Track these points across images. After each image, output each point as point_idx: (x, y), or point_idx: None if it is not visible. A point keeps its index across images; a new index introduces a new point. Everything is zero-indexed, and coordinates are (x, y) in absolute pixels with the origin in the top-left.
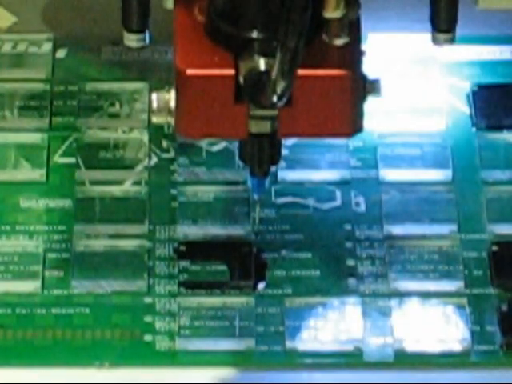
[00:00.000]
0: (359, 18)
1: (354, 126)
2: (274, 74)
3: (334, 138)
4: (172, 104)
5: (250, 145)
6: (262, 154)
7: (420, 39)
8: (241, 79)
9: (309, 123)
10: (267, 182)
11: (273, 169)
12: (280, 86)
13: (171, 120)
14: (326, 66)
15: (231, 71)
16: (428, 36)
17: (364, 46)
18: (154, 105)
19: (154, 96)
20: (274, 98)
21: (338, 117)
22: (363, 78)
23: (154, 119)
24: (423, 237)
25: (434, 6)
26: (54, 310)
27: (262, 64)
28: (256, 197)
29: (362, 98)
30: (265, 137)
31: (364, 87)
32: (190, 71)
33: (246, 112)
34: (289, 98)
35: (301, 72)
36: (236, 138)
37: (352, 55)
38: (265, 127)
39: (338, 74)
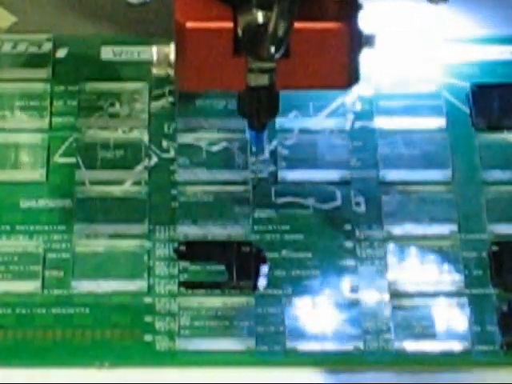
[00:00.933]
0: None
1: (350, 78)
2: (271, 25)
3: (330, 90)
4: (172, 57)
5: (248, 98)
6: (260, 106)
7: (420, 39)
8: (239, 32)
9: (306, 75)
10: (265, 135)
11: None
12: (277, 38)
13: (171, 71)
14: (323, 19)
15: (230, 24)
16: (428, 36)
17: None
18: (154, 57)
19: (155, 49)
20: (272, 50)
21: (335, 69)
22: (359, 31)
23: (155, 71)
24: (423, 237)
25: None
26: (54, 310)
27: (260, 17)
28: (254, 150)
29: (358, 51)
30: (263, 89)
31: (360, 40)
32: (189, 24)
33: (245, 64)
34: (286, 51)
35: (298, 25)
36: (234, 89)
37: (349, 9)
38: (263, 80)
39: (334, 26)
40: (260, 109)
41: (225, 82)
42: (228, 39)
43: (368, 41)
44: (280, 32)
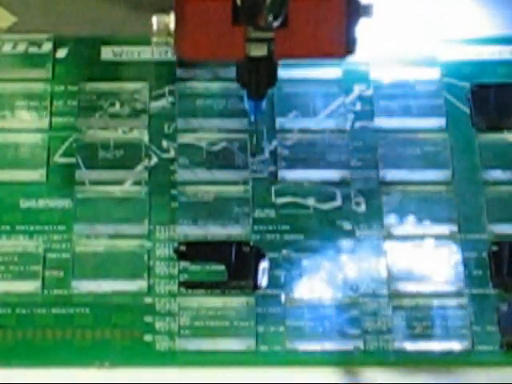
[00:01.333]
0: None
1: (347, 47)
2: None
3: (327, 59)
4: (172, 26)
5: (247, 68)
6: (258, 76)
7: (420, 39)
8: (238, 1)
9: (303, 45)
10: (264, 104)
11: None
12: (275, 6)
13: (171, 40)
14: None
15: None
16: (428, 36)
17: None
18: (154, 27)
19: (155, 18)
20: (270, 19)
21: (332, 38)
22: (357, 1)
23: (155, 39)
24: (423, 237)
25: None
26: (54, 310)
27: None
28: (253, 119)
29: (356, 21)
30: (261, 59)
31: (357, 10)
32: None
33: (244, 34)
34: (284, 20)
35: None
36: (233, 58)
37: None
38: (262, 50)
39: None
40: (259, 78)
41: (224, 51)
42: (227, 8)
43: (365, 11)
44: (278, 0)
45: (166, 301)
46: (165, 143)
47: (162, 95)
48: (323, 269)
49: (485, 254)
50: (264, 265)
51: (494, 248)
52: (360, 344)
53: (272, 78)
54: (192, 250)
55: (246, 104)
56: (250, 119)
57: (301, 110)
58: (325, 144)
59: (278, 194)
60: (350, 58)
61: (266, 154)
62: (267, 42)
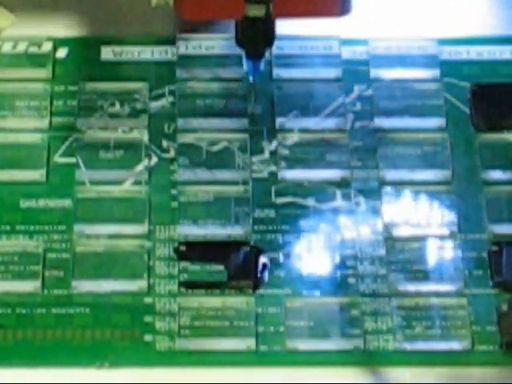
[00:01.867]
0: None
1: (343, 7)
2: None
3: (324, 18)
4: None
5: (245, 27)
6: (257, 36)
7: (420, 39)
8: None
9: (301, 4)
10: (262, 64)
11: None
12: None
13: (170, 0)
14: None
15: None
16: (428, 36)
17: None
18: None
19: None
20: None
21: None
22: None
23: (155, 0)
24: (423, 237)
25: None
26: (54, 310)
27: None
28: (251, 79)
29: None
30: (260, 19)
31: None
32: None
33: None
34: None
35: None
36: (232, 18)
37: None
38: (260, 10)
39: None
40: (257, 38)
41: (223, 11)
42: None
43: None
44: None
45: (166, 301)
46: (165, 143)
47: (162, 95)
48: (323, 269)
49: (485, 254)
50: (263, 259)
51: (494, 248)
52: (360, 344)
53: (270, 38)
54: (192, 250)
55: (245, 65)
56: (249, 78)
57: (301, 110)
58: (325, 144)
59: (278, 193)
60: (350, 58)
61: (266, 154)
62: (265, 3)
